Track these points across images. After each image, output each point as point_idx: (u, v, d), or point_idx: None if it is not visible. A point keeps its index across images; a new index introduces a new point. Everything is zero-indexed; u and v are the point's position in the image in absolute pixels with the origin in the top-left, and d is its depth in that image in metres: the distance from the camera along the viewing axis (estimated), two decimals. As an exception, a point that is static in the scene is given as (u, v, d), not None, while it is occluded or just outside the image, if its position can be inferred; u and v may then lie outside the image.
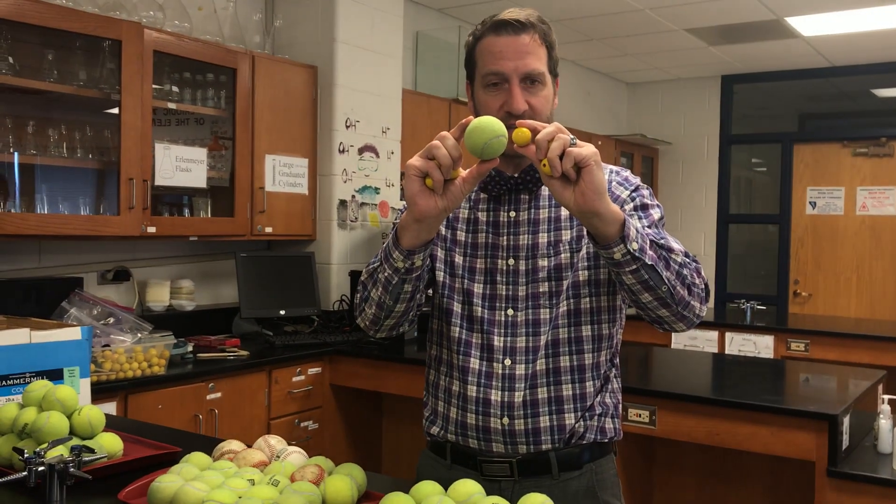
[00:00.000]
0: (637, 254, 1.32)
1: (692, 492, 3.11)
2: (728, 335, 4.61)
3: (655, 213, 1.54)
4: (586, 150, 1.26)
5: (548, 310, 1.52)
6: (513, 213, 1.56)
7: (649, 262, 1.34)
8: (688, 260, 1.43)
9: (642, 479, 3.17)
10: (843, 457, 2.49)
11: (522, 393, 1.51)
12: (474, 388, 1.53)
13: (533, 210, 1.56)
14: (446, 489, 1.30)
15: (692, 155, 7.05)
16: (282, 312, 3.89)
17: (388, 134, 4.40)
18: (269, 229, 3.83)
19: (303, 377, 3.58)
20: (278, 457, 1.52)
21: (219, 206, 3.69)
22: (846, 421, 2.52)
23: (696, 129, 7.04)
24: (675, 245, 1.42)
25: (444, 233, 1.61)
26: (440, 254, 1.60)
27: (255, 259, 3.88)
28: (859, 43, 5.67)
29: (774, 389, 3.05)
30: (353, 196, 4.20)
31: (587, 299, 1.54)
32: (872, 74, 6.33)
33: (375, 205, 4.34)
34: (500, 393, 1.52)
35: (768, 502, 2.95)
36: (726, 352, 4.59)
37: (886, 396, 2.65)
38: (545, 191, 1.56)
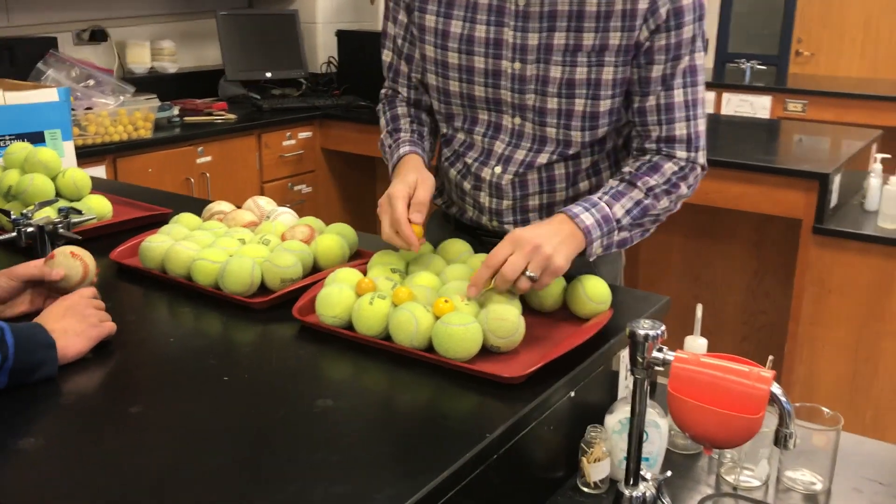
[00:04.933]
0: (603, 252, 1.28)
1: (678, 251, 3.20)
2: (725, 96, 4.52)
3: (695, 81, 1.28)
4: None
5: (555, 129, 1.34)
6: (522, 1, 1.29)
7: (618, 247, 1.30)
8: (669, 204, 1.32)
9: (630, 238, 3.24)
10: (831, 214, 2.53)
11: (511, 201, 1.40)
12: (469, 183, 1.43)
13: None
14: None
15: None
16: (268, 75, 3.77)
17: None
18: (248, -16, 3.61)
19: (293, 141, 3.54)
20: (268, 217, 1.52)
21: (193, -42, 3.45)
22: (837, 180, 2.53)
23: None
24: (660, 189, 1.30)
25: (432, 24, 1.35)
26: (429, 52, 1.37)
27: (236, 18, 3.69)
28: None
29: (767, 150, 3.03)
30: (338, -53, 3.93)
31: (605, 129, 1.34)
32: None
33: (361, -43, 4.07)
34: (490, 199, 1.41)
35: (752, 258, 3.04)
36: (722, 113, 4.53)
37: (879, 155, 2.64)
38: None
